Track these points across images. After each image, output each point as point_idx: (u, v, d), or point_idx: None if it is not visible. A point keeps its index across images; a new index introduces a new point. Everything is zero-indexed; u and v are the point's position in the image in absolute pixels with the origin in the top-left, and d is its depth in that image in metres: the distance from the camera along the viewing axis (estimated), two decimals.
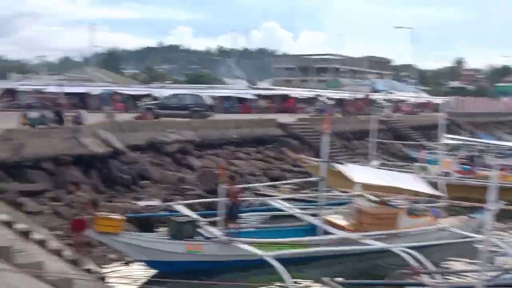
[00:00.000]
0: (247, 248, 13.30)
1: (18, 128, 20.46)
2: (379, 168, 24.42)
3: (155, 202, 19.87)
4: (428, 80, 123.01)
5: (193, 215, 15.44)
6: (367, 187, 18.09)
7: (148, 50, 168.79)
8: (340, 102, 59.35)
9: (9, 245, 6.86)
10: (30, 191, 17.41)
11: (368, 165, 25.45)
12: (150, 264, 13.83)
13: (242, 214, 15.29)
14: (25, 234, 9.50)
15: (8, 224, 9.49)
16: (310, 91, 66.13)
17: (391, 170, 22.87)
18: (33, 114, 21.68)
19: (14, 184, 17.54)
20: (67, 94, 48.75)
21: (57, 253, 9.54)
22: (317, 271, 14.72)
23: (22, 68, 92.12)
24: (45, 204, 16.85)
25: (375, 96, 66.58)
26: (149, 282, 12.15)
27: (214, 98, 44.61)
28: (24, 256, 7.18)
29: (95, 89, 52.49)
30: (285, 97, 59.90)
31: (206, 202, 19.48)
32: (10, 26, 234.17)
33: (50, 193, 18.00)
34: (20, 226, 9.99)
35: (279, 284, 12.64)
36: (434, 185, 18.82)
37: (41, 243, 9.54)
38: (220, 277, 13.13)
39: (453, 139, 30.37)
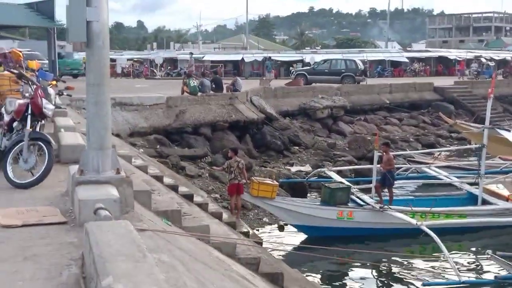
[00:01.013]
0: (401, 216, 13.01)
1: (179, 95, 21.65)
2: None
3: (306, 168, 20.17)
4: None
5: (345, 181, 15.39)
6: None
7: (299, 15, 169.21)
8: (503, 63, 55.23)
9: (179, 208, 7.32)
10: (190, 156, 18.44)
11: None
12: (302, 228, 14.10)
13: (395, 182, 14.93)
14: (189, 197, 10.10)
15: (174, 188, 10.15)
16: (468, 52, 62.23)
17: None
18: (193, 82, 22.74)
19: (176, 149, 18.68)
20: (222, 61, 50.66)
21: (217, 216, 10.04)
22: (475, 243, 14.08)
23: (180, 38, 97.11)
24: (203, 168, 17.78)
25: None
26: (301, 247, 12.41)
27: (365, 62, 43.77)
28: (191, 219, 7.63)
29: (249, 56, 53.98)
30: (442, 60, 57.06)
31: (357, 169, 19.38)
32: None
33: (208, 157, 18.95)
34: (183, 189, 10.66)
35: (434, 254, 12.25)
36: None
37: (202, 206, 10.09)
38: (371, 245, 13.04)
39: None
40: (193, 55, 43.48)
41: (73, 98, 14.11)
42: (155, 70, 49.04)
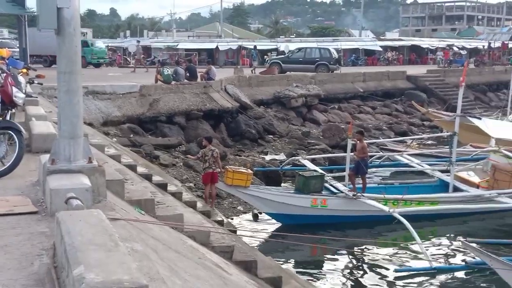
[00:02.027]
0: (373, 204, 13.15)
1: (153, 84, 21.47)
2: None
3: (281, 156, 20.24)
4: None
5: (319, 169, 15.49)
6: (503, 142, 17.05)
7: (274, 4, 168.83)
8: (474, 51, 56.02)
9: (152, 197, 7.29)
10: (164, 145, 18.35)
11: (505, 119, 23.89)
12: (276, 217, 14.17)
13: (368, 170, 15.06)
14: (163, 186, 10.07)
15: (147, 177, 10.10)
16: (441, 40, 62.95)
17: None
18: (167, 70, 22.57)
19: (150, 138, 18.57)
20: (196, 50, 50.37)
21: (191, 205, 10.03)
22: (446, 229, 14.33)
23: (154, 26, 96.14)
24: (177, 157, 17.71)
25: None
26: (275, 235, 12.48)
27: (339, 51, 43.94)
28: (165, 208, 7.61)
29: (223, 45, 53.77)
30: (414, 48, 57.64)
31: (331, 157, 19.51)
32: None
33: (182, 146, 18.88)
34: (157, 178, 10.62)
35: (406, 241, 12.43)
36: None
37: (176, 195, 10.07)
38: (344, 233, 13.18)
39: None
40: (141, 43, 43.79)
41: (45, 86, 13.92)
42: (128, 59, 48.51)
